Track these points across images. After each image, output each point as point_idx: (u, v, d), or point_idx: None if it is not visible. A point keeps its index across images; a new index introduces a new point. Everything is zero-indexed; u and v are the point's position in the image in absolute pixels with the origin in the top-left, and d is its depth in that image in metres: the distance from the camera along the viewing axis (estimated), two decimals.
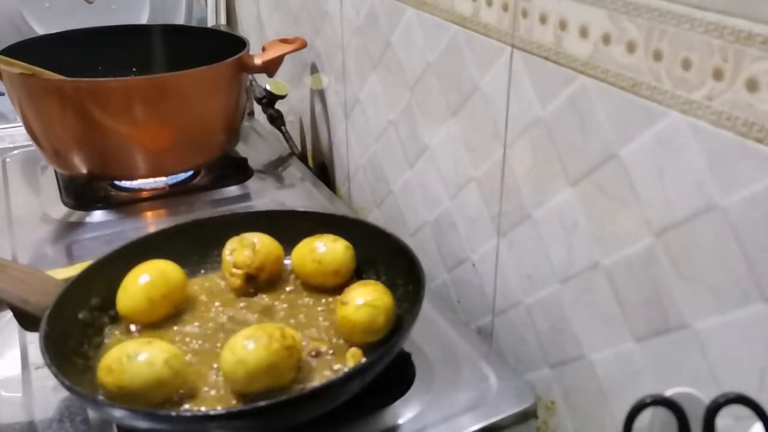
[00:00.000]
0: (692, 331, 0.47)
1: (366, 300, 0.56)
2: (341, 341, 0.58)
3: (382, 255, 0.64)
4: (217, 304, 0.62)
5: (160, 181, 0.92)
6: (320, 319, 0.60)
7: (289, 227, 0.66)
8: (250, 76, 1.01)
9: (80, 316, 0.58)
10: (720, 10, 0.41)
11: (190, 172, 0.96)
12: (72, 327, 0.57)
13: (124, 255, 0.63)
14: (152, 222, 0.86)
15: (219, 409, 0.51)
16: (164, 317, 0.60)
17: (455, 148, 0.70)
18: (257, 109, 1.11)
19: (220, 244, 0.65)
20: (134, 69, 1.03)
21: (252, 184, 0.95)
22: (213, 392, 0.53)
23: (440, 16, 0.67)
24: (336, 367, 0.55)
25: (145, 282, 0.59)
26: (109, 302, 0.60)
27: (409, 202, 0.82)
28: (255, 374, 0.50)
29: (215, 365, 0.54)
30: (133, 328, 0.59)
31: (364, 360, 0.55)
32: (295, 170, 0.99)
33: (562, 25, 0.53)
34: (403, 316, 0.58)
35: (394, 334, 0.56)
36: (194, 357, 0.56)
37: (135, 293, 0.59)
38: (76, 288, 0.58)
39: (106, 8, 1.28)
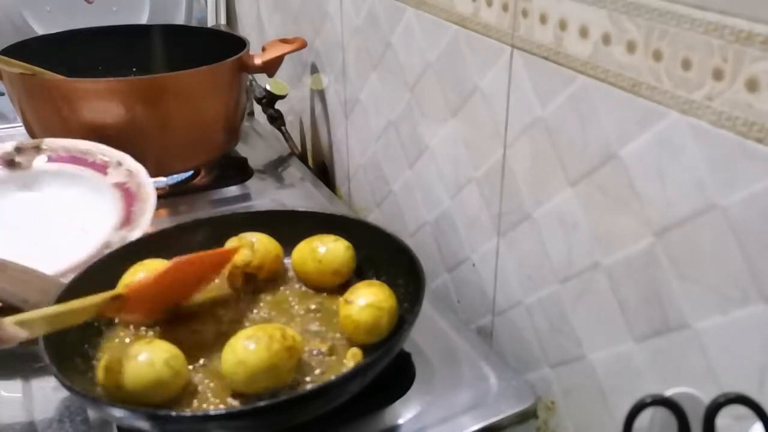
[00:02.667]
0: (692, 331, 0.47)
1: (370, 301, 0.56)
2: (341, 341, 0.58)
3: (382, 255, 0.64)
4: (217, 304, 0.62)
5: (160, 181, 0.92)
6: (320, 319, 0.60)
7: (289, 227, 0.66)
8: (250, 76, 1.01)
9: None
10: (720, 10, 0.41)
11: (190, 172, 0.96)
12: (72, 327, 0.57)
13: (124, 255, 0.63)
14: (152, 222, 0.86)
15: (219, 409, 0.51)
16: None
17: (455, 148, 0.70)
18: (257, 109, 1.11)
19: (220, 244, 0.65)
20: (134, 69, 1.03)
21: (252, 184, 0.94)
22: (213, 392, 0.53)
23: (440, 16, 0.67)
24: (336, 367, 0.55)
25: None
26: None
27: (409, 202, 0.82)
28: (255, 375, 0.50)
29: (215, 365, 0.54)
30: (132, 327, 0.59)
31: (364, 360, 0.55)
32: (295, 170, 0.99)
33: (562, 25, 0.53)
34: (404, 316, 0.58)
35: (394, 334, 0.56)
36: (194, 357, 0.56)
37: None
38: (76, 288, 0.58)
39: (106, 8, 1.28)
